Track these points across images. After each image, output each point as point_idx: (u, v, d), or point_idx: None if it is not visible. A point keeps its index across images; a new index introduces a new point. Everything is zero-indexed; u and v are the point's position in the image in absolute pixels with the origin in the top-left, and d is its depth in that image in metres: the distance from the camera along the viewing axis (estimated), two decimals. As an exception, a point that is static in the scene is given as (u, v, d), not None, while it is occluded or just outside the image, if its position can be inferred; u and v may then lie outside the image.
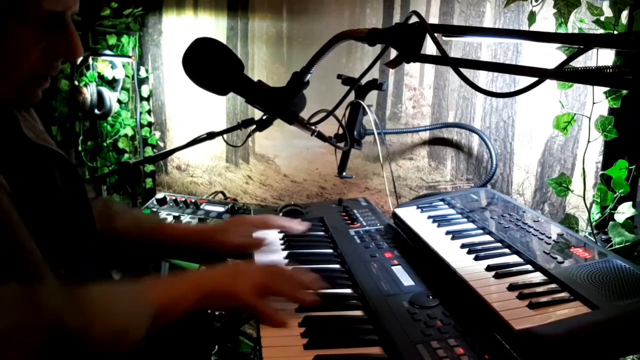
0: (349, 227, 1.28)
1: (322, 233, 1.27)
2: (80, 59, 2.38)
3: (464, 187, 1.72)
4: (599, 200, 1.26)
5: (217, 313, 1.55)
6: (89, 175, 2.59)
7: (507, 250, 0.98)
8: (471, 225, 1.12)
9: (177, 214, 1.86)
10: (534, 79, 0.71)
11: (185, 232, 1.18)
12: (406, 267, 1.05)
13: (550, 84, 1.39)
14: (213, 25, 2.36)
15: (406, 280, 1.00)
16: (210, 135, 1.51)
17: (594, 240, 1.23)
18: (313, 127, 1.16)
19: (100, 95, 2.47)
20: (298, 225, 1.21)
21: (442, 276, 0.97)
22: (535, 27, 1.33)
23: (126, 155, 2.69)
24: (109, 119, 2.60)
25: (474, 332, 0.81)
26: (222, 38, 2.31)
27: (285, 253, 1.16)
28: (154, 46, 2.63)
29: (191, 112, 2.53)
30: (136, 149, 2.69)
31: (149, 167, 2.74)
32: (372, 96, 1.82)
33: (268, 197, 2.31)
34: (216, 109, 2.42)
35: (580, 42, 0.73)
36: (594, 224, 1.28)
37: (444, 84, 1.72)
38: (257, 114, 1.34)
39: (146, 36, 2.64)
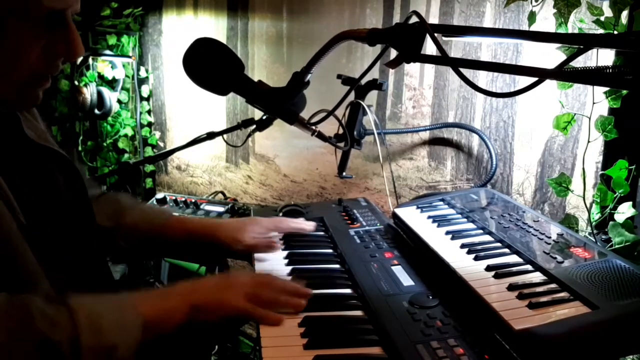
0: (349, 227, 1.28)
1: (322, 233, 1.27)
2: (80, 59, 2.38)
3: (464, 187, 1.72)
4: (599, 200, 1.26)
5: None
6: (89, 175, 2.59)
7: (507, 250, 0.98)
8: (471, 225, 1.12)
9: (177, 214, 1.86)
10: (534, 79, 0.71)
11: (196, 226, 1.17)
12: (406, 267, 1.05)
13: (550, 84, 1.39)
14: (213, 25, 2.36)
15: (406, 280, 1.00)
16: (210, 135, 1.51)
17: (594, 240, 1.23)
18: (313, 127, 1.16)
19: (100, 95, 2.47)
20: (308, 226, 1.23)
21: (442, 276, 0.97)
22: (535, 27, 1.33)
23: (126, 155, 2.69)
24: (109, 119, 2.60)
25: (473, 332, 0.82)
26: (222, 38, 2.31)
27: (285, 253, 1.16)
28: (154, 46, 2.63)
29: (191, 112, 2.53)
30: (136, 149, 2.69)
31: (149, 167, 2.74)
32: (372, 96, 1.82)
33: (268, 197, 2.31)
34: (216, 109, 2.42)
35: (580, 42, 0.73)
36: (594, 224, 1.28)
37: (444, 84, 1.72)
38: (257, 114, 1.34)
39: (146, 36, 2.64)
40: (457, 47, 1.66)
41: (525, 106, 1.56)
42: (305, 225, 1.23)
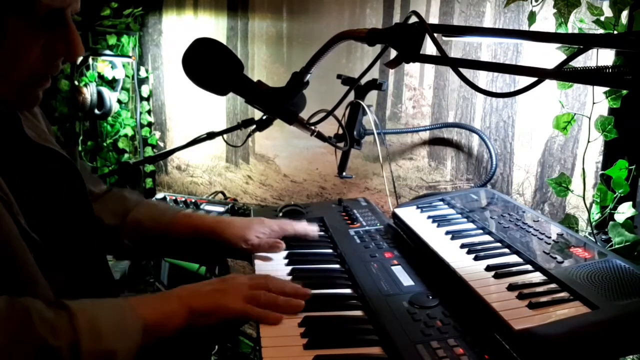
0: (349, 227, 1.28)
1: (322, 233, 1.27)
2: (80, 59, 2.38)
3: (464, 187, 1.72)
4: (598, 200, 1.26)
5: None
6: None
7: (506, 250, 0.98)
8: (471, 225, 1.12)
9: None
10: (534, 79, 0.71)
11: (203, 222, 1.17)
12: (406, 267, 1.05)
13: (550, 84, 1.39)
14: (213, 25, 2.36)
15: (406, 280, 1.00)
16: (210, 135, 1.51)
17: (594, 240, 1.23)
18: (313, 127, 1.17)
19: (100, 95, 2.47)
20: (313, 232, 1.23)
21: (441, 276, 0.97)
22: (535, 27, 1.33)
23: (126, 155, 2.69)
24: (109, 119, 2.60)
25: (473, 332, 0.81)
26: (222, 38, 2.31)
27: (285, 253, 1.16)
28: (154, 46, 2.63)
29: (191, 112, 2.53)
30: (136, 149, 2.69)
31: (149, 167, 2.74)
32: (372, 96, 1.82)
33: (268, 197, 2.31)
34: (216, 109, 2.42)
35: (580, 42, 0.72)
36: (594, 224, 1.28)
37: (444, 84, 1.72)
38: (257, 114, 1.34)
39: (146, 36, 2.64)
40: (457, 47, 1.66)
41: (525, 106, 1.56)
42: (310, 230, 1.23)
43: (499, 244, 1.01)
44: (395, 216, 1.24)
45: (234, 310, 0.86)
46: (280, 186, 2.26)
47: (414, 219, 1.19)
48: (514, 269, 0.91)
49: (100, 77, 2.55)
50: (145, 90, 2.66)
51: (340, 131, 1.31)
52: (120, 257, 1.44)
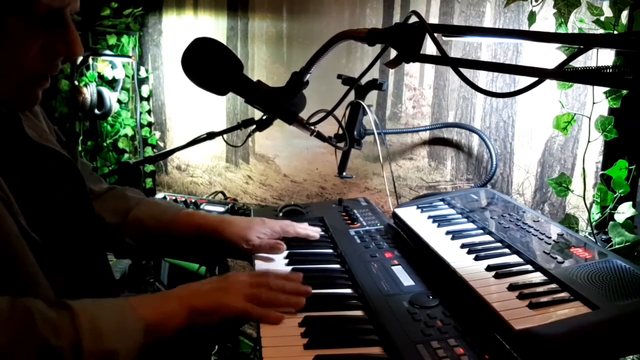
0: (349, 227, 1.28)
1: (322, 233, 1.27)
2: (80, 59, 2.38)
3: (464, 187, 1.72)
4: (599, 200, 1.26)
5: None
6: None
7: (507, 250, 0.98)
8: (471, 225, 1.12)
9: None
10: (534, 79, 0.71)
11: (205, 221, 1.16)
12: (406, 267, 1.05)
13: (550, 84, 1.39)
14: (213, 25, 2.36)
15: (406, 280, 1.00)
16: (210, 135, 1.51)
17: (594, 240, 1.23)
18: (312, 127, 1.16)
19: (100, 95, 2.47)
20: (314, 233, 1.23)
21: (442, 276, 0.97)
22: (535, 27, 1.33)
23: (126, 155, 2.69)
24: (109, 119, 2.60)
25: (474, 332, 0.81)
26: (222, 38, 2.31)
27: (286, 253, 1.16)
28: (154, 46, 2.63)
29: (191, 112, 2.53)
30: (136, 149, 2.69)
31: (149, 167, 2.74)
32: (372, 96, 1.82)
33: (268, 197, 2.31)
34: (216, 109, 2.42)
35: (580, 42, 0.73)
36: (594, 224, 1.28)
37: (444, 84, 1.72)
38: (257, 114, 1.34)
39: (146, 36, 2.64)
40: (457, 47, 1.66)
41: (525, 106, 1.56)
42: (312, 232, 1.22)
43: (499, 244, 1.01)
44: (395, 216, 1.24)
45: (234, 309, 0.86)
46: (280, 186, 2.26)
47: (414, 219, 1.19)
48: (515, 269, 0.91)
49: (100, 77, 2.55)
50: (145, 90, 2.66)
51: (340, 131, 1.31)
52: (120, 255, 1.43)
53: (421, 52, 0.86)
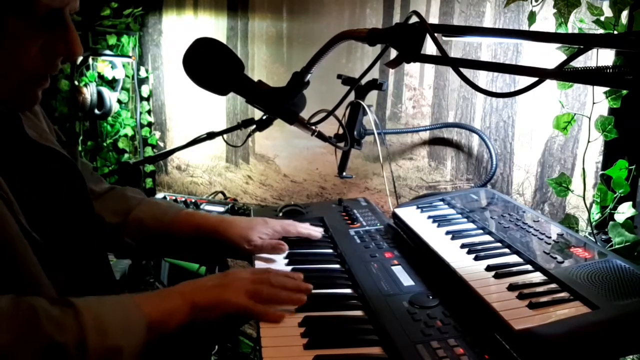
0: (349, 227, 1.28)
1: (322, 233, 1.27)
2: (80, 59, 2.38)
3: (464, 187, 1.72)
4: (599, 200, 1.26)
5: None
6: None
7: (507, 250, 0.98)
8: (471, 225, 1.12)
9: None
10: (534, 79, 0.71)
11: (206, 221, 1.16)
12: (406, 267, 1.05)
13: (550, 84, 1.39)
14: (213, 25, 2.36)
15: (406, 280, 1.00)
16: (210, 135, 1.51)
17: (594, 240, 1.23)
18: (313, 127, 1.16)
19: (100, 95, 2.47)
20: (316, 233, 1.22)
21: (442, 276, 0.97)
22: (535, 27, 1.33)
23: (126, 155, 2.69)
24: (109, 119, 2.60)
25: (474, 332, 0.81)
26: (222, 38, 2.31)
27: (286, 253, 1.16)
28: (154, 46, 2.63)
29: (191, 112, 2.53)
30: (136, 149, 2.69)
31: (149, 167, 2.74)
32: (372, 96, 1.82)
33: (268, 197, 2.31)
34: (216, 109, 2.42)
35: (580, 42, 0.73)
36: (594, 224, 1.28)
37: (444, 84, 1.72)
38: (257, 114, 1.34)
39: (146, 36, 2.64)
40: (457, 47, 1.66)
41: (525, 106, 1.56)
42: (314, 232, 1.22)
43: (499, 244, 1.01)
44: (395, 216, 1.24)
45: (236, 305, 0.86)
46: (280, 186, 2.26)
47: (414, 219, 1.19)
48: (514, 269, 0.91)
49: (100, 77, 2.55)
50: (145, 90, 2.67)
51: (341, 131, 1.31)
52: (121, 255, 1.43)
53: (421, 52, 0.86)
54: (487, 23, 1.59)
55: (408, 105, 1.81)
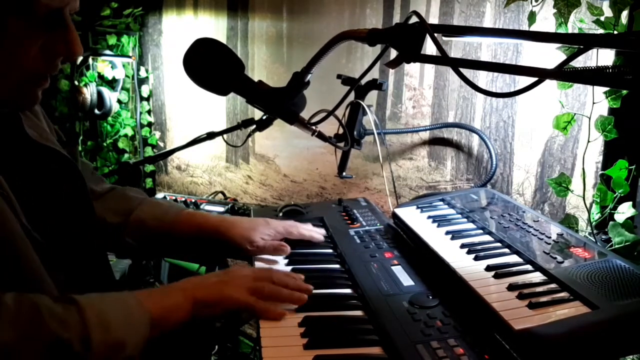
0: (349, 227, 1.28)
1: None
2: (80, 59, 2.38)
3: (464, 187, 1.72)
4: (598, 200, 1.26)
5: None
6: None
7: (506, 250, 0.98)
8: (471, 225, 1.12)
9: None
10: (534, 79, 0.71)
11: (207, 222, 1.16)
12: (406, 267, 1.05)
13: (550, 84, 1.39)
14: (213, 25, 2.36)
15: (406, 280, 1.00)
16: (210, 135, 1.51)
17: (594, 240, 1.23)
18: (313, 127, 1.16)
19: (100, 95, 2.47)
20: (318, 235, 1.22)
21: (442, 276, 0.97)
22: (535, 27, 1.33)
23: (126, 155, 2.69)
24: (109, 119, 2.60)
25: (473, 332, 0.81)
26: (222, 38, 2.31)
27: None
28: (154, 46, 2.63)
29: (191, 112, 2.53)
30: (136, 149, 2.69)
31: (149, 167, 2.74)
32: (372, 96, 1.82)
33: (268, 197, 2.31)
34: (216, 109, 2.42)
35: (580, 42, 0.73)
36: (594, 224, 1.28)
37: (444, 84, 1.72)
38: (257, 114, 1.34)
39: (146, 36, 2.64)
40: (457, 47, 1.66)
41: (525, 106, 1.56)
42: (316, 234, 1.22)
43: (499, 244, 1.01)
44: (395, 216, 1.24)
45: (237, 301, 0.86)
46: (280, 186, 2.26)
47: (414, 219, 1.19)
48: (514, 269, 0.91)
49: (100, 77, 2.54)
50: (145, 90, 2.66)
51: (341, 131, 1.31)
52: (121, 255, 1.44)
53: (421, 52, 0.86)
54: (487, 23, 1.59)
55: (408, 105, 1.81)
